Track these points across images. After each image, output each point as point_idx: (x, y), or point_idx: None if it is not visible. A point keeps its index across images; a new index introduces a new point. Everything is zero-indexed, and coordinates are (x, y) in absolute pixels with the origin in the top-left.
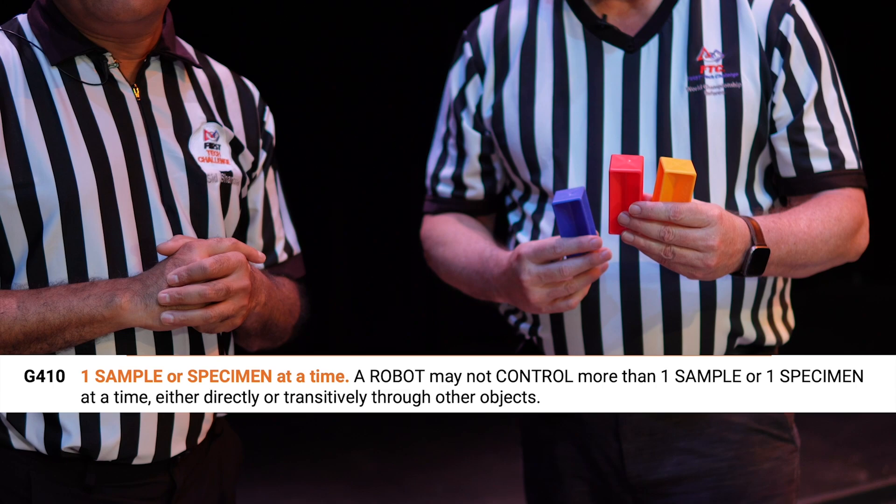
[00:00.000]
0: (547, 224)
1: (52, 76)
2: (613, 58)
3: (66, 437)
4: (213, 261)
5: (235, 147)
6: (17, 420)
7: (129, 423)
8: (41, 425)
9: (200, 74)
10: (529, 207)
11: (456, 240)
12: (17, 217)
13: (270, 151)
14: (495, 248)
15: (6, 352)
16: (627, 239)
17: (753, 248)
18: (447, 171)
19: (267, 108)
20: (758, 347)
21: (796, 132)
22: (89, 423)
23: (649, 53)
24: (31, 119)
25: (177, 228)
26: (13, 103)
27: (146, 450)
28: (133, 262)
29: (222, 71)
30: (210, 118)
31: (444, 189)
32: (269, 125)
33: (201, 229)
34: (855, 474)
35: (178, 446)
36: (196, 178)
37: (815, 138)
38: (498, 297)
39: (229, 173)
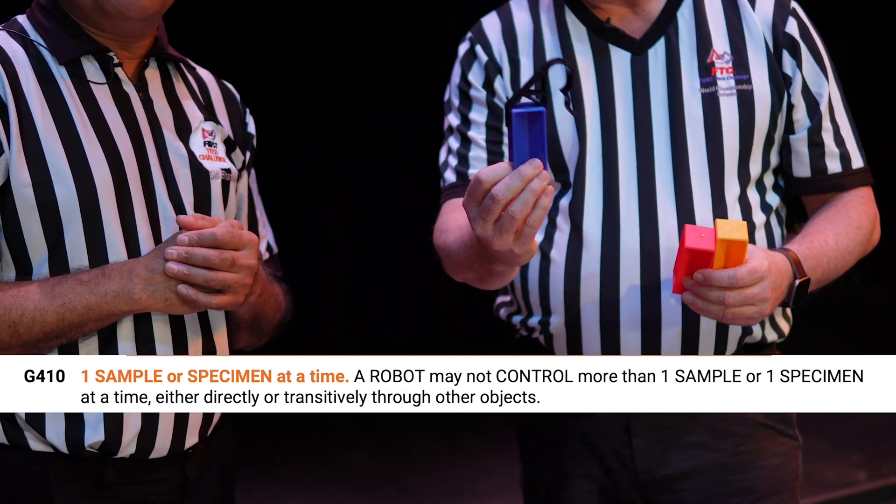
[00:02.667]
0: (564, 221)
1: (61, 75)
2: (620, 60)
3: (89, 433)
4: (224, 230)
5: (229, 145)
6: (37, 420)
7: (149, 415)
8: (62, 423)
9: (190, 76)
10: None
11: (458, 225)
12: (36, 216)
13: (253, 152)
14: None
15: (27, 349)
16: (687, 300)
17: (797, 282)
18: (474, 152)
19: (248, 110)
20: (762, 345)
21: (816, 133)
22: (112, 415)
23: (657, 55)
24: (45, 118)
25: None
26: (27, 102)
27: (163, 442)
28: None
29: (205, 74)
30: (207, 117)
31: (469, 168)
32: (251, 126)
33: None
34: (855, 474)
35: (191, 439)
36: (200, 175)
37: (829, 139)
38: (494, 263)
39: (228, 171)
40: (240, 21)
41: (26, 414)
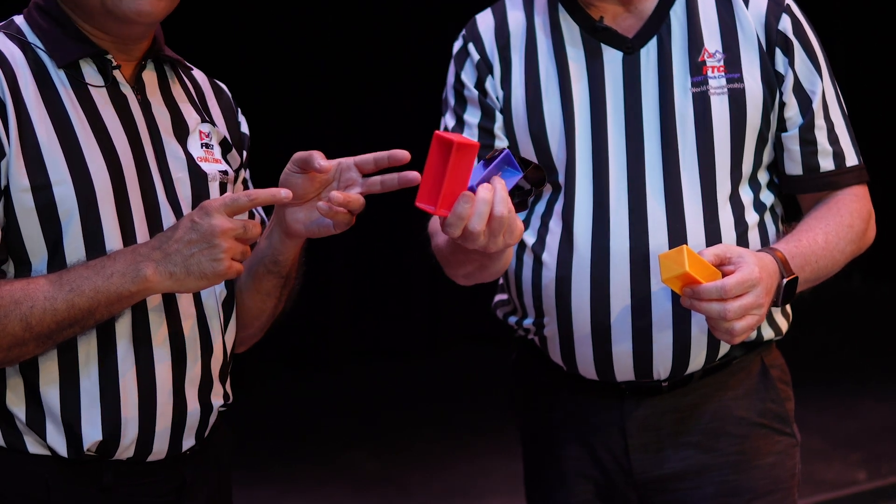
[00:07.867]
0: (555, 224)
1: (59, 77)
2: (612, 59)
3: (87, 434)
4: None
5: (225, 147)
6: (36, 423)
7: (147, 418)
8: (61, 426)
9: (185, 77)
10: (539, 207)
11: None
12: (35, 220)
13: (247, 151)
14: None
15: (41, 343)
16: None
17: (784, 281)
18: None
19: (239, 110)
20: (758, 343)
21: (808, 131)
22: (111, 418)
23: (648, 55)
24: (43, 121)
25: None
26: (25, 105)
27: (161, 445)
28: None
29: (199, 74)
30: (203, 119)
31: None
32: (244, 126)
33: None
34: (855, 474)
35: (188, 441)
36: (198, 178)
37: (822, 137)
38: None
39: (225, 172)
40: (241, 21)
41: (26, 416)
